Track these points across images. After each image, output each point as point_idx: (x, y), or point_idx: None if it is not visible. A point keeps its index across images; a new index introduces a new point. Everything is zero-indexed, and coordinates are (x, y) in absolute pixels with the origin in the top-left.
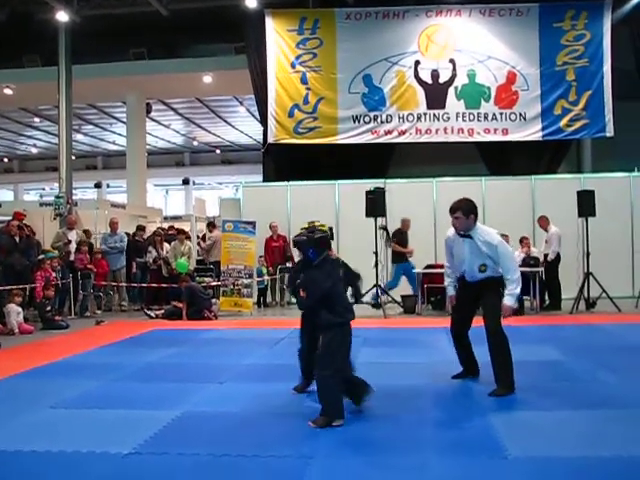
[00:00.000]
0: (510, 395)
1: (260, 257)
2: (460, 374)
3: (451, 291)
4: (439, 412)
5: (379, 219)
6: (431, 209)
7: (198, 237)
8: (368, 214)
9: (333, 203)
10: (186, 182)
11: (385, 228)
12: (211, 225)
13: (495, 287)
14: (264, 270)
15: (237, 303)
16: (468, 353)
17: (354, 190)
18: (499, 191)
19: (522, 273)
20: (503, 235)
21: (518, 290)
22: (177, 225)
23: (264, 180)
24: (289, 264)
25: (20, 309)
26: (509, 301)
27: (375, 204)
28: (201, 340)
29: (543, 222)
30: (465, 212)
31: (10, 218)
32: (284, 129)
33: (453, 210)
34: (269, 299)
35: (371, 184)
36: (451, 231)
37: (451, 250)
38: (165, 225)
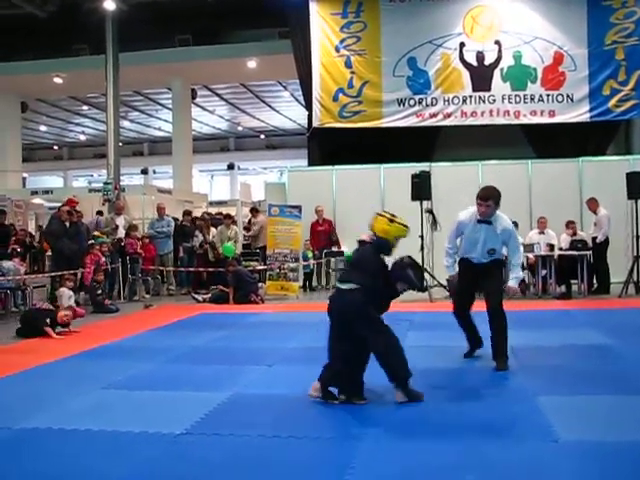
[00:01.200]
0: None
1: (306, 241)
2: (469, 352)
3: (451, 270)
4: (485, 396)
5: (425, 203)
6: (476, 192)
7: (244, 222)
8: (414, 198)
9: (378, 187)
10: (231, 167)
11: (431, 212)
12: (254, 210)
13: (498, 269)
14: (310, 254)
15: (283, 287)
16: (474, 330)
17: (399, 174)
18: (545, 174)
19: (570, 256)
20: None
21: (522, 273)
22: (223, 210)
23: (309, 164)
24: (335, 248)
25: (72, 293)
26: (514, 283)
27: (420, 188)
28: (248, 323)
29: (592, 204)
30: (496, 201)
31: (61, 204)
32: (329, 113)
33: (485, 198)
34: (315, 283)
35: (416, 167)
36: (465, 215)
37: (461, 232)
38: (211, 210)
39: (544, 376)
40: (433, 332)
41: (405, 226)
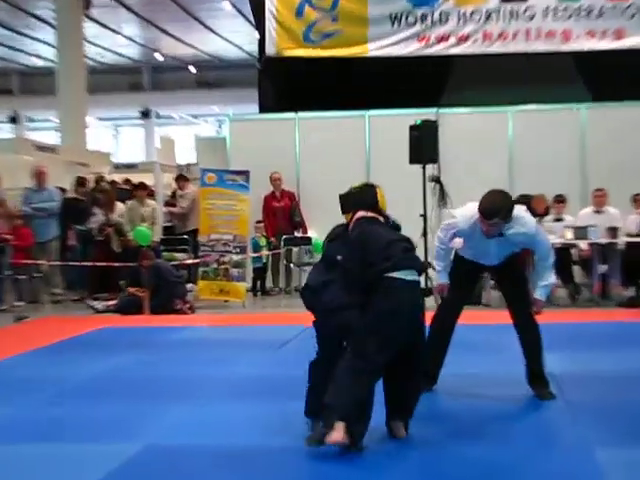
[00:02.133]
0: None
1: (257, 223)
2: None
3: (444, 278)
4: (519, 445)
5: (429, 167)
6: (505, 152)
7: (166, 195)
8: (413, 160)
9: (362, 144)
10: (146, 115)
11: (438, 180)
12: (182, 178)
13: (520, 264)
14: (262, 242)
15: (223, 289)
16: (443, 356)
17: (392, 124)
18: (606, 124)
19: None
20: (537, 197)
21: (553, 279)
22: (134, 177)
23: (261, 111)
24: (298, 233)
25: None
26: (542, 295)
27: (423, 145)
28: (171, 343)
29: None
30: (505, 217)
31: None
32: (289, 36)
33: (489, 215)
34: (269, 284)
35: (417, 116)
36: (464, 222)
37: (459, 236)
38: (117, 177)
39: (602, 418)
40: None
41: None
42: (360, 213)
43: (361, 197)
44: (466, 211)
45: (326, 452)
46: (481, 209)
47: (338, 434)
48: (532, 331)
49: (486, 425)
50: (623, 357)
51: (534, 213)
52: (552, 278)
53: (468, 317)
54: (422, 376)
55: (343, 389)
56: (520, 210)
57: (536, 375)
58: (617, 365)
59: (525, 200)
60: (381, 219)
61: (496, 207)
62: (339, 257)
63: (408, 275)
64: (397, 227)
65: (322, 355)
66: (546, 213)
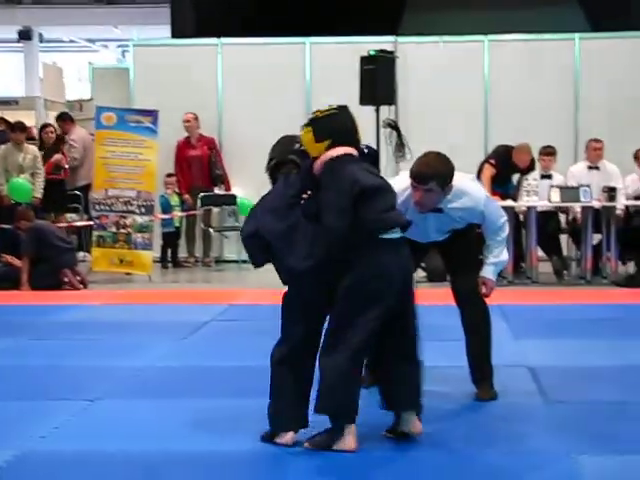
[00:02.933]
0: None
1: (168, 177)
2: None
3: None
4: (490, 451)
5: (383, 109)
6: (479, 93)
7: (49, 139)
8: (364, 99)
9: (301, 79)
10: (26, 36)
11: (394, 125)
12: (67, 119)
13: (470, 232)
14: (175, 200)
15: (124, 260)
16: None
17: (339, 55)
18: (606, 58)
19: None
20: (519, 148)
21: (505, 256)
22: (10, 116)
23: (174, 35)
24: (219, 189)
25: None
26: (491, 273)
27: (376, 82)
28: (56, 325)
29: None
30: (442, 182)
31: None
32: None
33: (422, 179)
34: (183, 253)
35: (370, 45)
36: (399, 187)
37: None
38: None
39: (589, 420)
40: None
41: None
42: (340, 150)
43: (340, 124)
44: (399, 182)
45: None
46: (412, 172)
47: (352, 440)
48: (477, 310)
49: (447, 427)
50: (616, 347)
51: (516, 168)
52: (504, 255)
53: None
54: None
55: (337, 388)
56: (465, 180)
57: (479, 369)
58: (608, 356)
59: (505, 151)
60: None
61: (430, 170)
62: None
63: (395, 233)
64: (374, 155)
65: (291, 345)
66: (531, 168)
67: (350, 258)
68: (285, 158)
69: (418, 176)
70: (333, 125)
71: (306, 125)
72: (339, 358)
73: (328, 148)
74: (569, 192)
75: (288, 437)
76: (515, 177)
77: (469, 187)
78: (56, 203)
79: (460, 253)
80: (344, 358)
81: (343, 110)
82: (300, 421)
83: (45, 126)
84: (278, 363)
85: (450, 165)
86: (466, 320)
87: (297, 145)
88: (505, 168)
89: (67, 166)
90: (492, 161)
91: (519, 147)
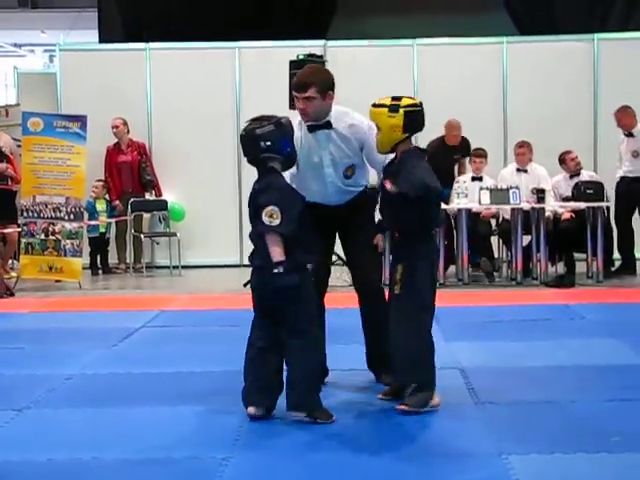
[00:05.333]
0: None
1: (97, 182)
2: None
3: None
4: (423, 452)
5: None
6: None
7: None
8: (293, 104)
9: (231, 83)
10: None
11: None
12: None
13: (370, 210)
14: (102, 206)
15: (54, 267)
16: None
17: (268, 59)
18: (533, 61)
19: (573, 213)
20: (446, 125)
21: None
22: None
23: (102, 39)
24: (150, 195)
25: None
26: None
27: None
28: None
29: (626, 118)
30: (322, 87)
31: None
32: None
33: (302, 86)
34: (112, 259)
35: (299, 49)
36: (295, 121)
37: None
38: None
39: (520, 421)
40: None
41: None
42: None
43: (422, 122)
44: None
45: None
46: (293, 83)
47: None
48: (379, 308)
49: (372, 430)
50: (545, 347)
51: (450, 149)
52: None
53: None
54: None
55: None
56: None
57: (379, 356)
58: (539, 357)
59: (435, 140)
60: None
61: (309, 78)
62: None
63: None
64: None
65: None
66: (464, 147)
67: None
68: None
69: (298, 85)
70: (420, 122)
71: (393, 110)
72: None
73: (404, 140)
74: (499, 194)
75: None
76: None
77: (352, 111)
78: (3, 213)
79: (360, 246)
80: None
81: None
82: None
83: None
84: None
85: (329, 74)
86: (367, 317)
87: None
88: (437, 154)
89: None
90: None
91: (447, 124)
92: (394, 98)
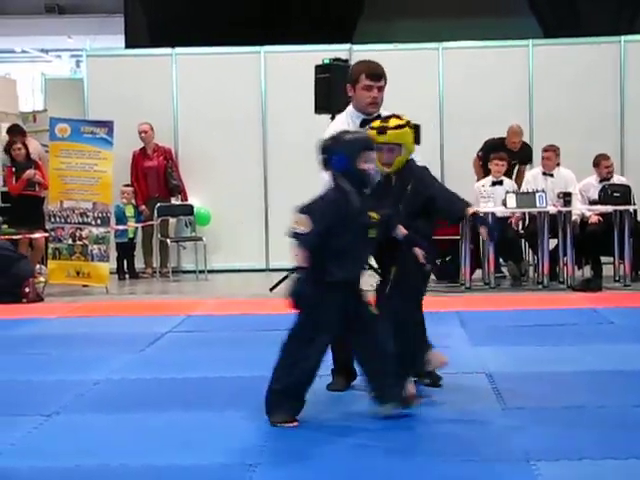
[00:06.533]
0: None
1: (126, 188)
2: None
3: None
4: (449, 458)
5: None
6: (434, 99)
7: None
8: (319, 108)
9: (256, 88)
10: None
11: None
12: (17, 132)
13: None
14: (130, 211)
15: (81, 272)
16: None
17: (294, 64)
18: (560, 63)
19: (600, 217)
20: (508, 130)
21: None
22: None
23: (127, 45)
24: (176, 200)
25: None
26: None
27: (331, 90)
28: (13, 339)
29: None
30: (386, 81)
31: None
32: None
33: (380, 75)
34: (139, 264)
35: (325, 53)
36: (338, 124)
37: None
38: None
39: (548, 426)
40: None
41: (383, 120)
42: None
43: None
44: (335, 123)
45: None
46: (370, 69)
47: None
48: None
49: (402, 435)
50: (573, 352)
51: (509, 153)
52: None
53: None
54: None
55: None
56: None
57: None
58: (566, 362)
59: (490, 141)
60: None
61: (381, 66)
62: None
63: None
64: None
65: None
66: (525, 154)
67: None
68: None
69: (377, 73)
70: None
71: (406, 126)
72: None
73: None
74: (525, 198)
75: None
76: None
77: None
78: (31, 218)
79: None
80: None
81: None
82: None
83: (11, 143)
84: None
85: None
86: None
87: None
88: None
89: (42, 181)
90: (479, 153)
91: (509, 129)
92: (384, 120)
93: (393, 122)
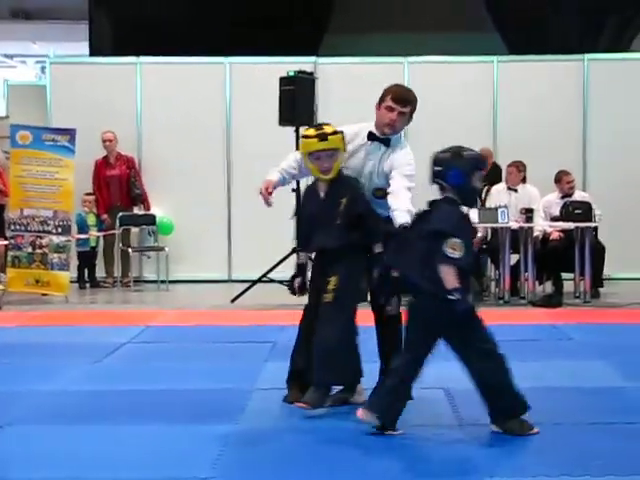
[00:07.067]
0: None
1: (89, 196)
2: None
3: (273, 175)
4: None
5: (303, 130)
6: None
7: None
8: (283, 120)
9: (221, 98)
10: None
11: None
12: None
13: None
14: (91, 220)
15: (40, 280)
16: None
17: (258, 75)
18: (524, 80)
19: (561, 233)
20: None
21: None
22: None
23: (92, 52)
24: (138, 209)
25: None
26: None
27: (296, 102)
28: None
29: None
30: (414, 110)
31: None
32: None
33: (405, 101)
34: (100, 273)
35: (290, 65)
36: (354, 128)
37: None
38: None
39: (502, 443)
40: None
41: (314, 136)
42: None
43: None
44: (353, 126)
45: None
46: (395, 93)
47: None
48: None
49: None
50: (533, 367)
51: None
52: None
53: None
54: None
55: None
56: None
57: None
58: (526, 378)
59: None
60: None
61: (408, 95)
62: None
63: None
64: None
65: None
66: (494, 174)
67: None
68: None
69: (402, 98)
70: None
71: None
72: None
73: None
74: (487, 213)
75: None
76: None
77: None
78: None
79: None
80: None
81: None
82: None
83: None
84: None
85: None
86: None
87: None
88: None
89: (3, 188)
90: None
91: (479, 152)
92: (318, 127)
93: (329, 128)
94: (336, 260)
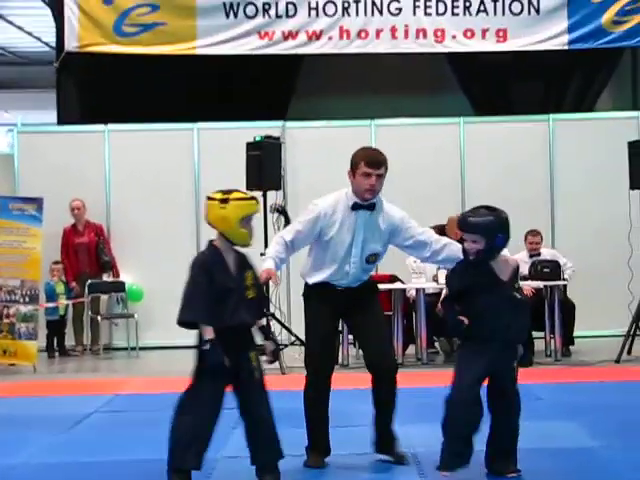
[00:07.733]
0: None
1: (54, 264)
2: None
3: (274, 264)
4: None
5: (271, 194)
6: None
7: None
8: (250, 184)
9: (190, 164)
10: None
11: (282, 210)
12: None
13: (376, 293)
14: (60, 288)
15: (8, 350)
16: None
17: (226, 140)
18: (490, 142)
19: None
20: (449, 222)
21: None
22: None
23: (60, 121)
24: (107, 276)
25: None
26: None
27: (263, 167)
28: None
29: None
30: (387, 168)
31: None
32: (97, 27)
33: (380, 163)
34: (70, 341)
35: (257, 130)
36: (328, 202)
37: (317, 235)
38: None
39: None
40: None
41: (250, 198)
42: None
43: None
44: (328, 196)
45: None
46: (368, 158)
47: None
48: (390, 373)
49: None
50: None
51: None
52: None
53: None
54: None
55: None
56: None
57: (386, 435)
58: None
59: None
60: None
61: (383, 156)
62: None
63: None
64: None
65: None
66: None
67: None
68: None
69: (377, 161)
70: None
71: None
72: None
73: None
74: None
75: None
76: None
77: (386, 201)
78: None
79: (378, 319)
80: None
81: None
82: None
83: None
84: None
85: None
86: (380, 399)
87: None
88: None
89: None
90: None
91: (449, 220)
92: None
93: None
94: (250, 335)
